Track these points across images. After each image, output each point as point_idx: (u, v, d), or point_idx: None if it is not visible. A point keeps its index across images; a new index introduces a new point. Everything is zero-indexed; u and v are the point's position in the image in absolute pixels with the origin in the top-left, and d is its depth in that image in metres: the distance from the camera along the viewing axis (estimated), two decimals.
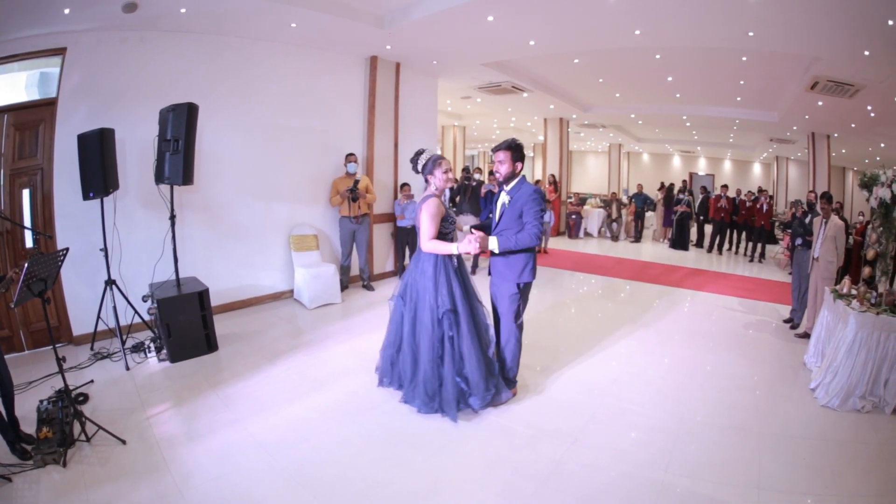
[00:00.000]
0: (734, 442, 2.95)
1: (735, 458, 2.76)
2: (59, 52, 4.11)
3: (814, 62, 6.03)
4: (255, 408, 3.31)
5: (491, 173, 6.24)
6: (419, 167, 3.15)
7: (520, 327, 3.27)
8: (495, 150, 3.15)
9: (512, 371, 3.34)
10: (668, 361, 4.28)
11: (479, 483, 2.59)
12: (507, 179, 3.12)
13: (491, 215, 3.37)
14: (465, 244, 2.93)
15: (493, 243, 3.00)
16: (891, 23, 4.28)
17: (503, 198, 3.14)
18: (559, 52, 6.55)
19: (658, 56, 6.73)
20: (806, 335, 4.75)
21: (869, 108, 7.53)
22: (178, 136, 3.92)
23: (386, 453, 2.84)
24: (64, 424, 2.75)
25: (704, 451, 2.85)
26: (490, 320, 3.22)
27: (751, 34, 5.16)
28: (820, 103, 7.71)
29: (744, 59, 6.37)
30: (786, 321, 5.37)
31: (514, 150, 3.09)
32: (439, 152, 3.37)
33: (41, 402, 2.79)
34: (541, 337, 4.66)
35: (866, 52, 5.17)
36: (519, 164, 3.11)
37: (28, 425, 2.84)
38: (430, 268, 3.04)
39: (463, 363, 3.04)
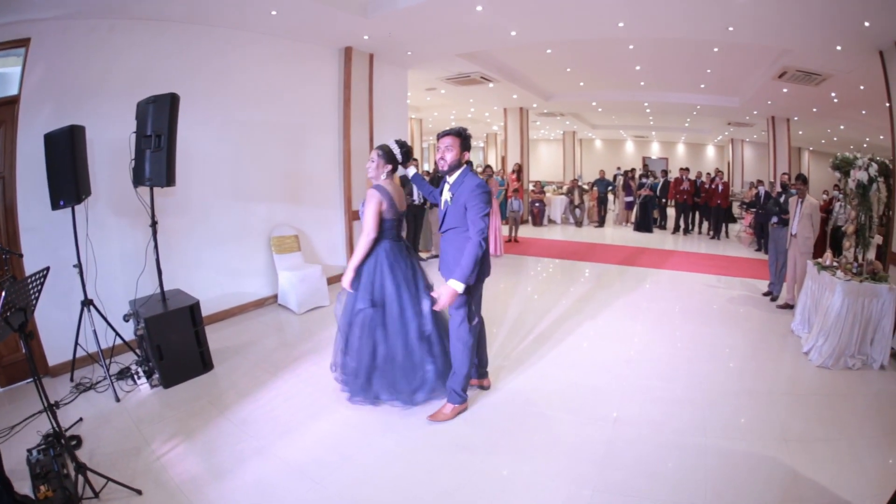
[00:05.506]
0: (751, 404, 3.25)
1: (757, 418, 3.07)
2: (22, 43, 3.51)
3: (784, 53, 6.28)
4: (279, 430, 3.00)
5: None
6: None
7: (472, 331, 2.94)
8: (442, 135, 2.89)
9: (457, 380, 2.98)
10: (669, 338, 4.46)
11: (545, 474, 2.56)
12: (452, 169, 2.87)
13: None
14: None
15: (456, 285, 2.66)
16: (867, 24, 4.51)
17: (445, 194, 2.88)
18: (539, 42, 6.46)
19: (631, 46, 6.82)
20: (787, 306, 5.25)
21: (833, 94, 7.89)
22: (161, 131, 3.45)
23: (440, 460, 2.69)
24: (63, 478, 2.33)
25: (729, 415, 3.11)
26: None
27: (731, 29, 5.32)
28: (785, 90, 8.04)
29: (715, 49, 6.55)
30: (765, 294, 5.77)
31: (464, 137, 2.88)
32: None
33: (29, 451, 2.36)
34: (541, 326, 4.72)
35: (839, 47, 5.43)
36: (466, 154, 2.90)
37: (20, 481, 2.36)
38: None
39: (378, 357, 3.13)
